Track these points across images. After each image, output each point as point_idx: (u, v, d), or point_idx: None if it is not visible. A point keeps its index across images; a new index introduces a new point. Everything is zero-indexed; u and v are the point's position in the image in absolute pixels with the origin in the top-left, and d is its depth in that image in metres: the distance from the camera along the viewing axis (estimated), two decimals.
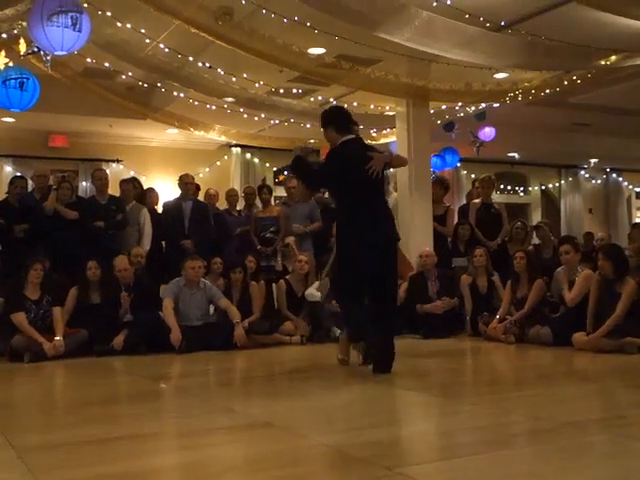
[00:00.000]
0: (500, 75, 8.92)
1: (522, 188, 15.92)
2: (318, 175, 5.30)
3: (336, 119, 5.28)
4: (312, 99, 9.80)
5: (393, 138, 10.05)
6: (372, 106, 9.60)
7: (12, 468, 2.68)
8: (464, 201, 11.81)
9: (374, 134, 10.57)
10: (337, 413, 3.71)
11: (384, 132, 10.44)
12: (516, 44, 7.33)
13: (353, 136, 5.28)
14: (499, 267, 7.89)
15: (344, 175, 5.06)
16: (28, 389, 5.06)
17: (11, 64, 7.34)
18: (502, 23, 7.27)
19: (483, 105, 9.63)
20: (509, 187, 15.60)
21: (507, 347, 6.61)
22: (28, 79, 7.31)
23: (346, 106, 9.56)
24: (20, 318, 6.32)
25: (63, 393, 5.08)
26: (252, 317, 7.18)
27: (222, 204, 9.52)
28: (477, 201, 9.11)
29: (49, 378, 5.71)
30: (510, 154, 14.71)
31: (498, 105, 9.42)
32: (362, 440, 2.98)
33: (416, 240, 8.55)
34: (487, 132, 11.26)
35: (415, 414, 3.82)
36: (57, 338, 6.29)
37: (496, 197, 9.87)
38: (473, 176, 13.40)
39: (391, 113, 9.56)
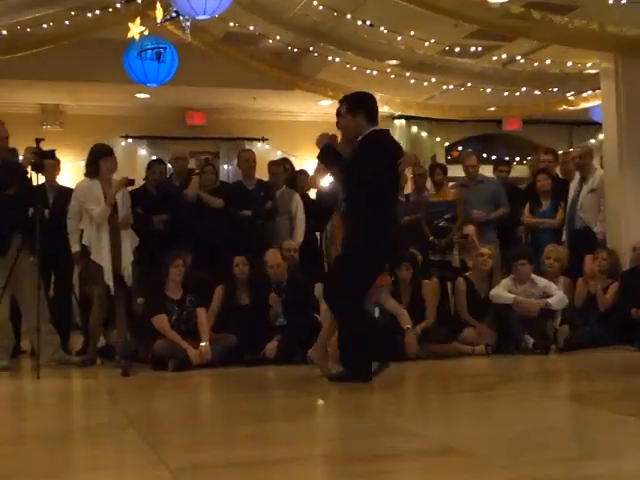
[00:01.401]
0: None
1: None
2: (353, 165, 5.54)
3: (368, 106, 5.68)
4: (494, 58, 9.66)
5: (596, 102, 9.71)
6: (569, 63, 9.34)
7: None
8: None
9: (571, 97, 10.26)
10: (536, 439, 3.64)
11: (584, 95, 10.11)
12: None
13: (383, 128, 5.72)
14: None
15: (381, 167, 5.43)
16: (174, 401, 5.32)
17: (146, 33, 7.72)
18: None
19: None
20: None
21: None
22: (165, 49, 7.68)
23: (537, 64, 9.48)
24: (162, 321, 6.64)
25: (211, 407, 5.30)
26: (426, 322, 7.18)
27: None
28: None
29: (195, 389, 5.99)
30: None
31: None
32: (578, 474, 2.92)
33: (629, 228, 8.23)
34: None
35: (638, 444, 3.67)
36: (203, 344, 6.56)
37: None
38: None
39: (594, 71, 9.24)
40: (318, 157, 5.84)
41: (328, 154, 5.68)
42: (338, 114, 5.82)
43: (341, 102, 5.77)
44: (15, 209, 6.64)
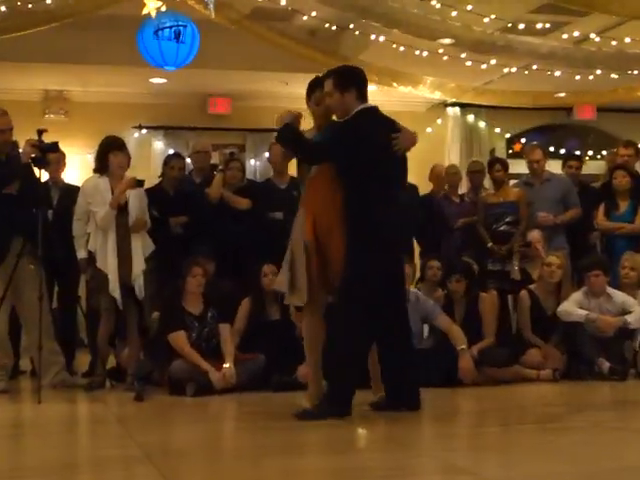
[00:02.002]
0: None
1: None
2: (327, 147, 5.48)
3: (360, 82, 5.63)
4: (564, 35, 9.61)
5: None
6: None
7: None
8: None
9: None
10: None
11: None
12: None
13: (374, 105, 5.63)
14: None
15: (370, 151, 5.38)
16: (193, 431, 5.35)
17: (164, 9, 7.78)
18: None
19: None
20: None
21: None
22: (185, 27, 7.75)
23: (615, 43, 9.41)
24: (180, 339, 6.69)
25: (235, 438, 5.33)
26: (483, 342, 7.19)
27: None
28: None
29: (217, 417, 6.05)
30: None
31: None
32: None
33: None
34: None
35: None
36: (226, 365, 6.60)
37: None
38: None
39: None
40: (276, 138, 5.78)
41: (286, 134, 5.54)
42: (310, 92, 5.74)
43: (326, 77, 5.62)
44: (15, 209, 6.71)
